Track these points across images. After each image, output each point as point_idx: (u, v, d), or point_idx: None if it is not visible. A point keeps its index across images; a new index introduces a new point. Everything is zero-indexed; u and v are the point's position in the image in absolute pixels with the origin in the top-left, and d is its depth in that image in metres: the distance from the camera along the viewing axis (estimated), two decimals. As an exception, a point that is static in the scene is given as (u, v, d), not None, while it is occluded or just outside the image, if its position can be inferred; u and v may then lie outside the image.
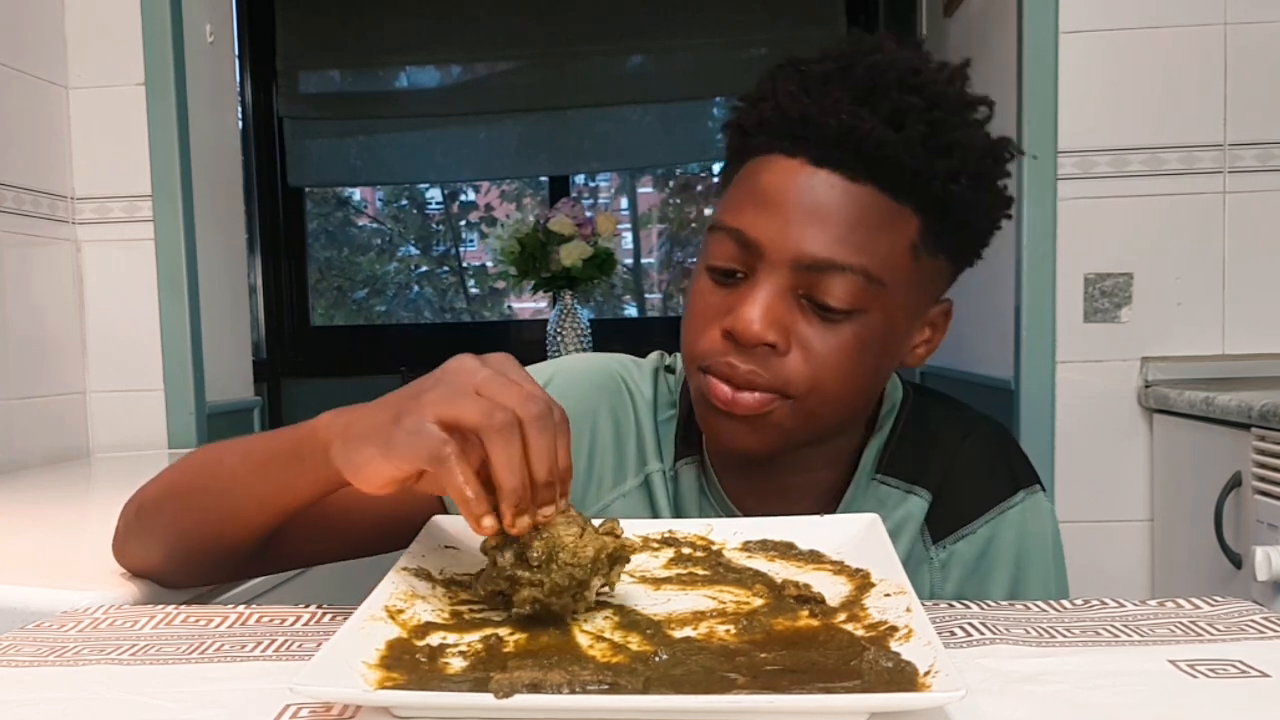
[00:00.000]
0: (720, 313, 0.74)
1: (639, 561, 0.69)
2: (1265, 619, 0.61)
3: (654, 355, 0.91)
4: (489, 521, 0.57)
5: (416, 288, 4.02)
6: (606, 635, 0.55)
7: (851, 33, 0.78)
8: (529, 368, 0.86)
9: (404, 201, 4.03)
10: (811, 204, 0.71)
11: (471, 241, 4.02)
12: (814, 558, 0.68)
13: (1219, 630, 0.60)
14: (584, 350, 2.65)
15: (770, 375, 0.72)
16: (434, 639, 0.55)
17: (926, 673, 0.46)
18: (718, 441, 0.79)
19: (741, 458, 0.80)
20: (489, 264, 3.79)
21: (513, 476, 0.56)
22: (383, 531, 0.77)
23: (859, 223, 0.71)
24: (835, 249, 0.71)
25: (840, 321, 0.72)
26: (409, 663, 0.51)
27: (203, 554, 0.77)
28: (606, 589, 0.60)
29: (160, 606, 0.69)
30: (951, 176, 0.72)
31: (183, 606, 0.69)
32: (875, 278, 0.71)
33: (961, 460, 0.82)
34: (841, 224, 0.71)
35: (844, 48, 0.76)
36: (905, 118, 0.70)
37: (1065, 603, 0.66)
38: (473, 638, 0.55)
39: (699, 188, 3.96)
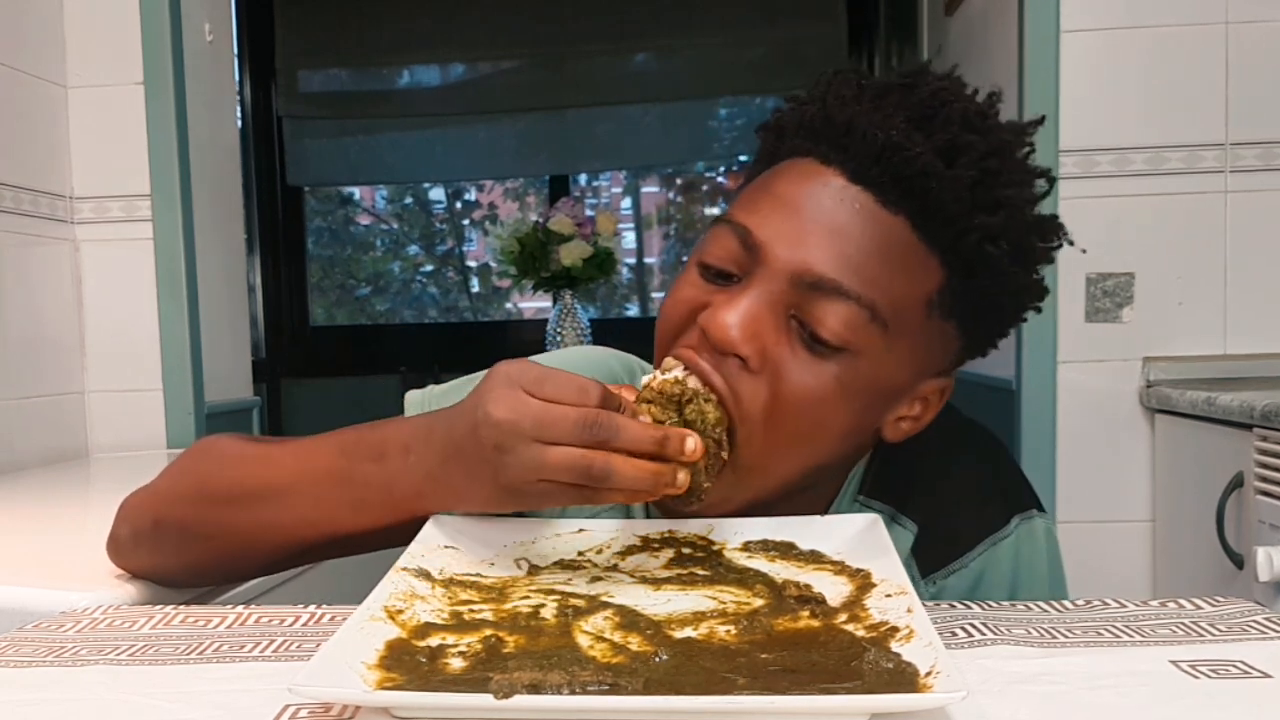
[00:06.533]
0: (702, 307, 0.67)
1: (639, 561, 0.69)
2: (1267, 619, 0.61)
3: None
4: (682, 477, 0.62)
5: (420, 285, 4.03)
6: (606, 635, 0.55)
7: (929, 61, 0.72)
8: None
9: (408, 200, 4.03)
10: (833, 218, 0.64)
11: (474, 240, 4.02)
12: (814, 558, 0.67)
13: (1220, 631, 0.59)
14: (584, 350, 2.64)
15: (728, 389, 0.65)
16: (433, 639, 0.54)
17: (928, 673, 0.46)
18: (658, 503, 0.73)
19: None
20: (492, 263, 3.79)
21: (644, 481, 0.60)
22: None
23: (880, 253, 0.64)
24: (845, 272, 0.63)
25: (826, 357, 0.65)
26: (408, 663, 0.51)
27: (226, 571, 0.76)
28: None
29: (159, 607, 0.69)
30: (991, 236, 0.65)
31: (181, 607, 0.69)
32: (880, 317, 0.64)
33: (951, 486, 0.76)
34: (860, 249, 0.64)
35: (914, 67, 0.69)
36: (959, 155, 0.64)
37: (1067, 603, 0.66)
38: (472, 638, 0.55)
39: (704, 188, 3.95)
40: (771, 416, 0.65)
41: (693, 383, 0.65)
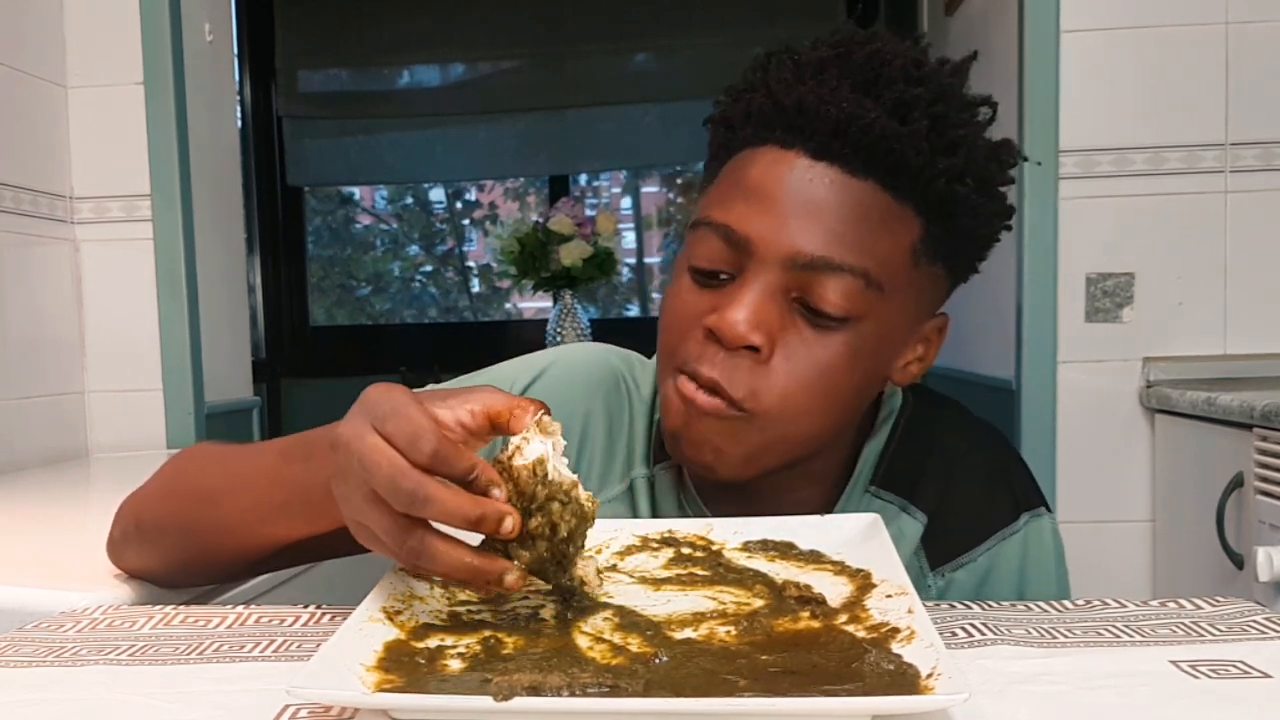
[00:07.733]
0: (703, 312, 0.69)
1: (639, 561, 0.69)
2: (1267, 619, 0.61)
3: None
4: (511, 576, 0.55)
5: (420, 285, 4.03)
6: (606, 637, 0.55)
7: (845, 23, 0.74)
8: (528, 357, 0.85)
9: (408, 200, 4.03)
10: (808, 198, 0.67)
11: (474, 240, 4.02)
12: (814, 558, 0.67)
13: (1220, 631, 0.59)
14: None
15: (739, 387, 0.67)
16: (432, 641, 0.54)
17: (929, 675, 0.46)
18: (678, 457, 0.73)
19: (706, 479, 0.75)
20: (493, 263, 3.79)
21: (461, 571, 0.53)
22: None
23: (859, 221, 0.67)
24: (833, 247, 0.66)
25: (833, 330, 0.68)
26: (407, 665, 0.51)
27: (205, 570, 0.76)
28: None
29: (159, 607, 0.69)
30: (955, 176, 0.67)
31: (181, 607, 0.69)
32: (875, 281, 0.67)
33: (961, 481, 0.78)
34: (840, 221, 0.66)
35: (839, 35, 0.71)
36: (910, 110, 0.66)
37: (1067, 603, 0.66)
38: (471, 639, 0.55)
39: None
40: (789, 396, 0.68)
41: (555, 474, 0.55)
